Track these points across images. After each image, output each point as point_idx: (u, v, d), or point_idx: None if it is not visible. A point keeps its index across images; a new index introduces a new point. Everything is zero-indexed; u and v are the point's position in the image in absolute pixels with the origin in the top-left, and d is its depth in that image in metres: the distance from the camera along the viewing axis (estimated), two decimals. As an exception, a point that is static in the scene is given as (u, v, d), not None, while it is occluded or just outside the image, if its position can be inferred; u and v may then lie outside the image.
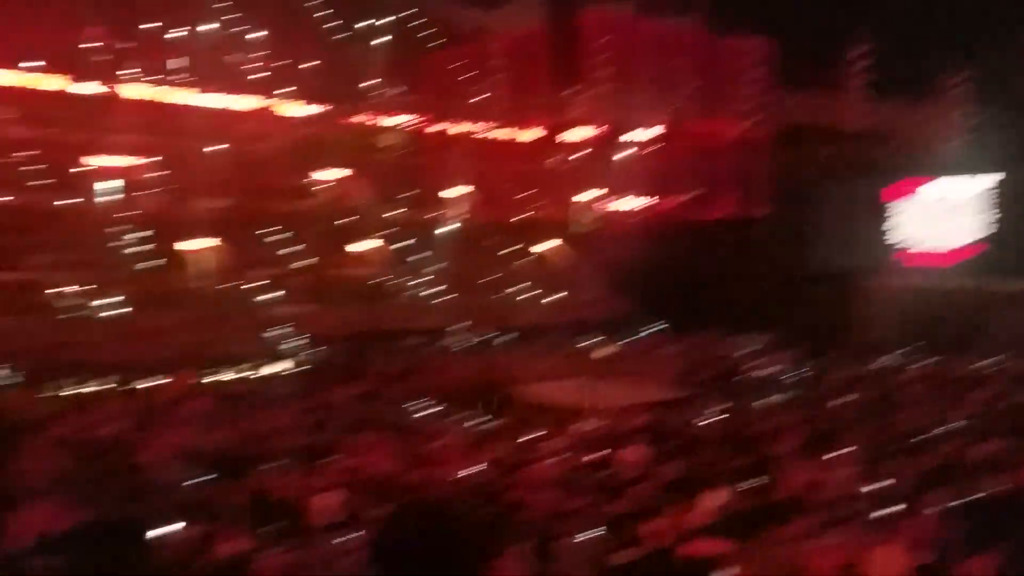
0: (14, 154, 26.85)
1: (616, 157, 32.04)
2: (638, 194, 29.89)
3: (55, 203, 26.98)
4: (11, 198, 26.06)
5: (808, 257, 32.65)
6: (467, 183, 33.55)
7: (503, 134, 33.88)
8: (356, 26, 36.16)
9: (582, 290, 34.58)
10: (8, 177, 26.53)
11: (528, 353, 26.56)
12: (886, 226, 31.38)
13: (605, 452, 12.95)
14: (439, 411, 18.93)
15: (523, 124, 34.39)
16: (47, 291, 24.92)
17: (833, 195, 31.64)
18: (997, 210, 28.20)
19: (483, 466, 11.85)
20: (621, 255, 31.60)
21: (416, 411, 19.17)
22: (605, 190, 33.09)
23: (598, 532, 8.60)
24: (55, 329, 23.38)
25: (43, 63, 27.02)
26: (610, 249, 32.38)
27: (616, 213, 32.34)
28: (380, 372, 22.60)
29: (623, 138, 31.20)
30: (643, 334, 31.21)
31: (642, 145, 29.71)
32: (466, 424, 16.63)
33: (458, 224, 34.18)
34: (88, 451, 13.68)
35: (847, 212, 31.68)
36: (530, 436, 14.53)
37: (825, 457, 11.28)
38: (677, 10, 28.05)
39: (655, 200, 28.43)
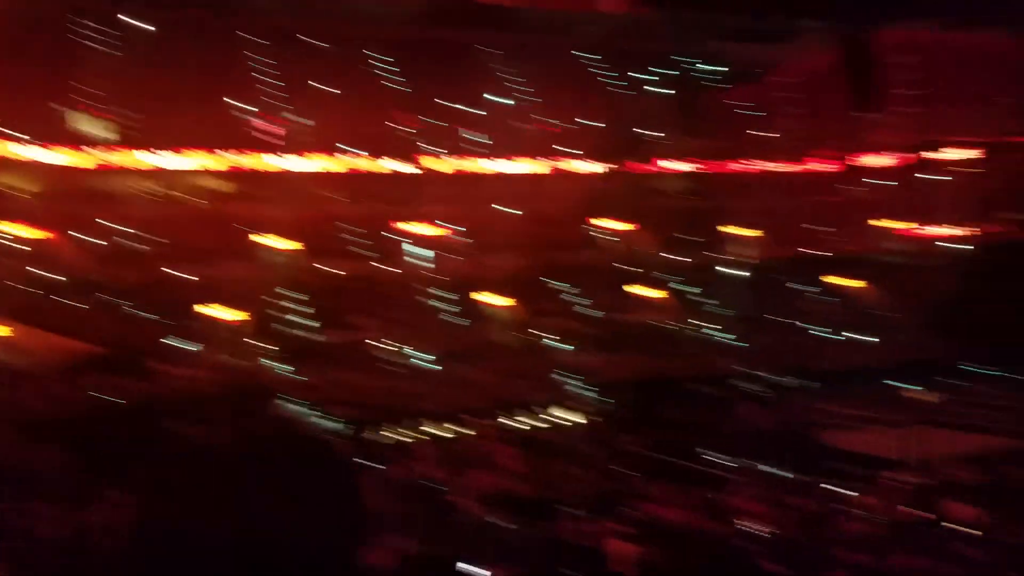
0: (340, 228, 30.68)
1: (927, 181, 29.31)
2: (954, 219, 26.93)
3: (375, 269, 30.27)
4: (340, 267, 29.64)
5: None
6: (758, 221, 32.49)
7: (795, 167, 32.50)
8: (636, 79, 36.86)
9: (894, 328, 31.64)
10: (337, 248, 30.29)
11: (833, 398, 24.73)
12: None
13: (932, 510, 11.64)
14: (735, 461, 18.18)
15: (817, 155, 32.76)
16: (371, 347, 27.84)
17: None
18: None
19: (783, 519, 11.17)
20: (938, 287, 28.53)
21: (710, 460, 18.57)
22: (916, 217, 30.34)
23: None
24: (379, 380, 25.98)
25: (359, 148, 30.86)
26: (925, 281, 29.38)
27: (930, 241, 29.42)
28: (672, 419, 22.26)
29: (933, 160, 28.54)
30: (969, 376, 27.68)
31: (956, 166, 26.89)
32: (765, 475, 15.79)
33: (750, 263, 33.07)
34: (410, 492, 14.83)
35: None
36: (839, 488, 13.47)
37: None
38: (986, 22, 25.28)
39: (975, 224, 25.41)
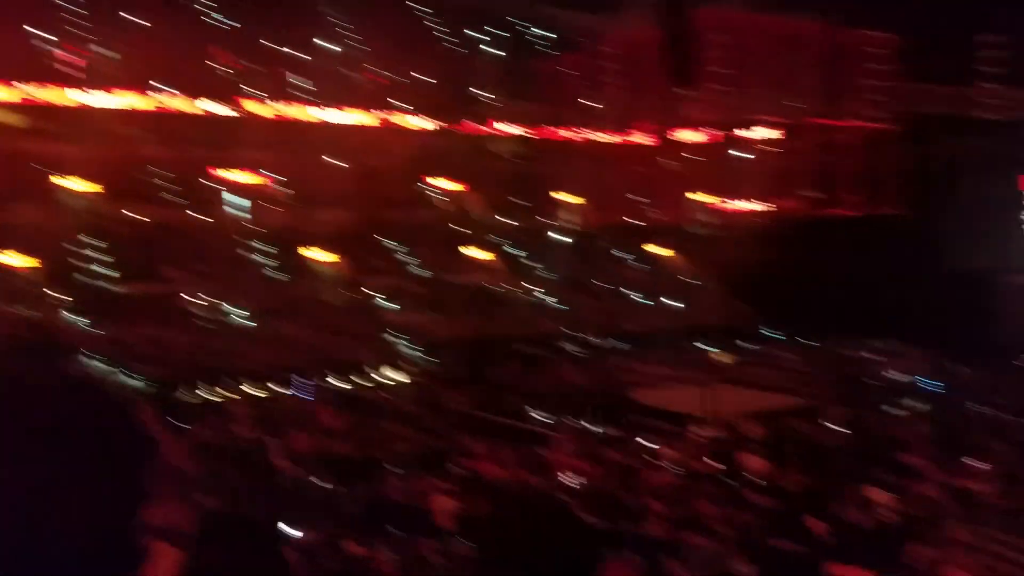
0: (149, 172, 28.66)
1: (735, 157, 31.28)
2: (759, 195, 29.01)
3: (188, 218, 28.62)
4: (148, 214, 27.77)
5: (942, 256, 30.84)
6: (583, 189, 33.47)
7: (618, 138, 33.71)
8: (470, 38, 36.78)
9: (700, 295, 33.86)
10: (145, 193, 28.32)
11: (644, 359, 26.19)
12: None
13: (726, 461, 12.64)
14: (555, 418, 18.92)
15: (638, 127, 34.06)
16: (182, 301, 26.41)
17: (968, 190, 29.80)
18: None
19: (599, 472, 11.77)
20: (741, 258, 30.75)
21: (532, 418, 19.21)
22: (724, 192, 32.36)
23: (722, 541, 8.39)
24: (191, 337, 24.74)
25: (172, 86, 28.75)
26: (729, 252, 31.56)
27: (735, 214, 31.54)
28: (496, 379, 22.79)
29: (742, 138, 30.42)
30: (764, 340, 30.26)
31: (762, 144, 28.87)
32: (582, 430, 16.55)
33: (574, 230, 34.15)
34: (226, 453, 14.35)
35: (983, 208, 29.73)
36: (647, 443, 14.33)
37: (961, 468, 10.63)
38: (796, 6, 27.23)
39: (777, 200, 27.50)
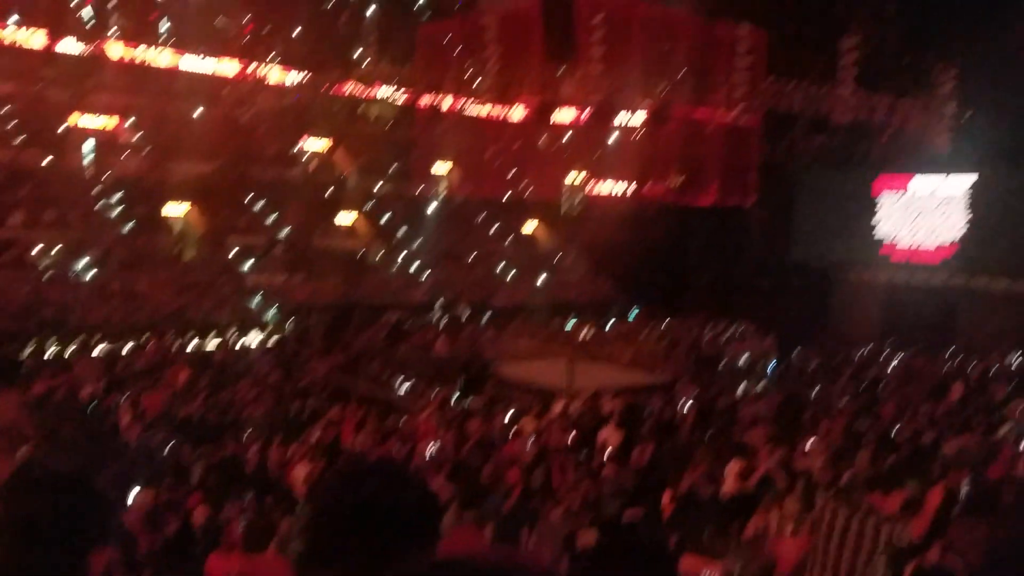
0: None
1: (605, 139, 31.91)
2: (625, 177, 29.75)
3: (34, 161, 26.58)
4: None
5: (793, 247, 32.76)
6: (455, 158, 33.31)
7: (494, 110, 33.67)
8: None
9: (566, 271, 34.58)
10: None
11: (510, 332, 26.55)
12: (874, 220, 31.35)
13: (581, 434, 13.00)
14: (417, 386, 18.93)
15: (514, 101, 34.13)
16: (24, 249, 24.61)
17: (821, 186, 31.66)
18: (985, 208, 28.13)
19: (458, 443, 11.85)
20: (606, 238, 31.58)
21: (394, 385, 19.16)
22: (593, 172, 32.98)
23: (570, 512, 8.63)
24: (33, 288, 23.11)
25: (21, 17, 26.28)
26: (595, 231, 32.33)
27: (602, 195, 32.25)
28: (360, 345, 22.54)
29: (612, 121, 31.05)
30: (625, 317, 31.31)
31: (630, 128, 29.58)
32: (443, 400, 16.62)
33: (445, 199, 34.02)
34: (67, 411, 13.61)
35: (834, 204, 31.68)
36: (507, 415, 14.55)
37: (798, 446, 11.35)
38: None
39: (642, 183, 28.32)
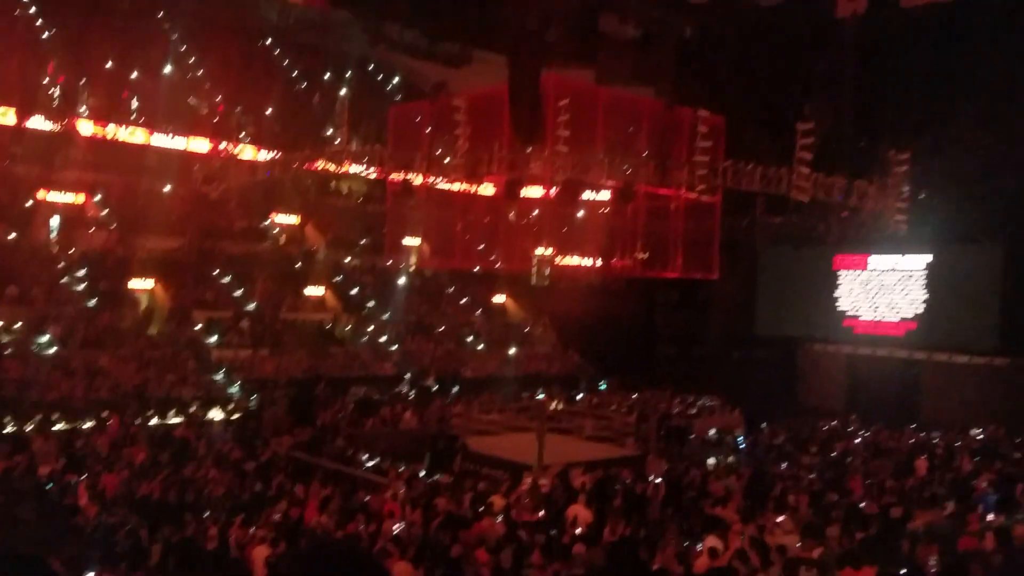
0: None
1: (572, 215, 32.37)
2: (592, 252, 30.16)
3: (1, 236, 26.32)
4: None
5: (758, 321, 33.21)
6: (425, 233, 33.53)
7: (463, 187, 34.15)
8: (318, 75, 36.39)
9: (535, 344, 34.60)
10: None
11: (479, 405, 26.38)
12: (836, 293, 31.94)
13: (553, 510, 12.84)
14: (384, 462, 18.62)
15: (483, 178, 34.62)
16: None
17: (783, 263, 32.27)
18: (942, 285, 28.80)
19: (426, 520, 11.64)
20: (574, 311, 31.78)
21: (360, 461, 18.83)
22: (560, 247, 33.33)
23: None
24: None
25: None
26: (564, 305, 32.55)
27: (570, 269, 32.58)
28: (326, 421, 22.19)
29: (580, 198, 31.54)
30: (594, 390, 31.26)
31: (597, 205, 30.09)
32: (411, 476, 16.36)
33: (414, 273, 34.10)
34: (23, 490, 13.26)
35: (797, 279, 32.29)
36: (478, 491, 14.33)
37: (768, 521, 11.31)
38: (635, 80, 28.85)
39: (608, 258, 28.71)
